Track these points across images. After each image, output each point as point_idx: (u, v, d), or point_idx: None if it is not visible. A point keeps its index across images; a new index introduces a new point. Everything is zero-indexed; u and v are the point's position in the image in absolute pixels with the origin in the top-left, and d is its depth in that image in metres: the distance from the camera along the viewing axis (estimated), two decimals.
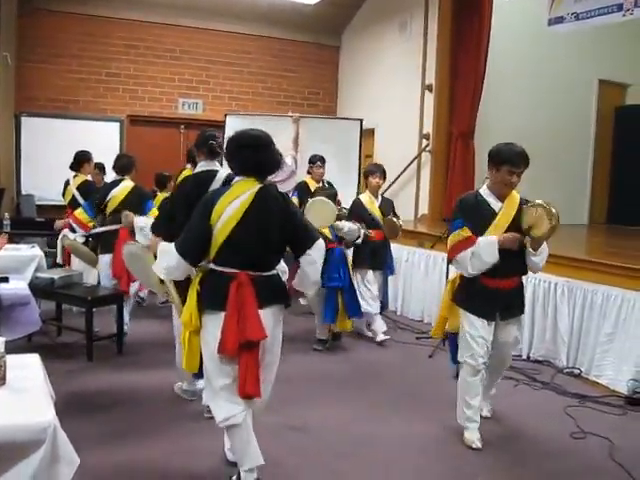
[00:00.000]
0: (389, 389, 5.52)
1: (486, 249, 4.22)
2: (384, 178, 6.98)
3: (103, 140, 9.88)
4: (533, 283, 6.49)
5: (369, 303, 6.77)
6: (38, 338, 5.95)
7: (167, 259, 3.56)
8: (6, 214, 8.86)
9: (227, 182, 4.03)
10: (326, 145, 8.44)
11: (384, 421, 4.80)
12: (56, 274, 6.35)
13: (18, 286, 5.12)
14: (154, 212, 6.18)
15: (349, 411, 4.96)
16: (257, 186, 3.54)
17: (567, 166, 10.61)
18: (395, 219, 6.80)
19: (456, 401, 4.58)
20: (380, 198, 6.93)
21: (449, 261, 4.28)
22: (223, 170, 4.49)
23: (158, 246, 3.77)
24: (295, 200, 7.14)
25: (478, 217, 4.32)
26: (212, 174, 4.43)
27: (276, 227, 3.57)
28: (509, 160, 4.17)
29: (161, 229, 4.36)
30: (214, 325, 3.48)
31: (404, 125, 9.79)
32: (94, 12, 10.23)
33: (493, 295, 4.35)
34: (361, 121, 9.17)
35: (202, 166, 4.58)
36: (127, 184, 6.58)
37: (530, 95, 10.01)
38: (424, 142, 9.45)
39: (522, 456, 4.32)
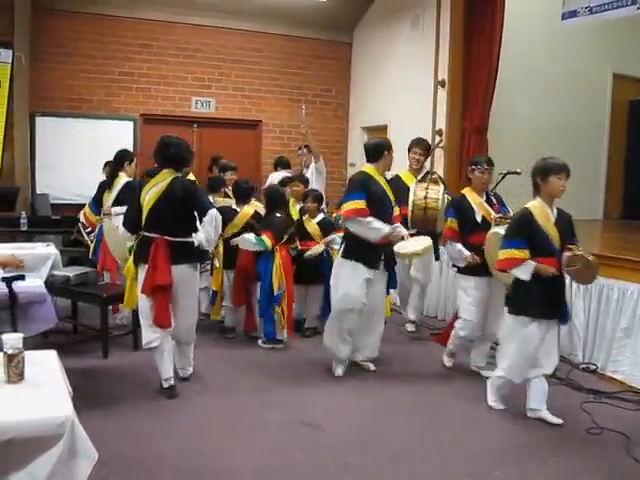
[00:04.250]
0: None
1: None
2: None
3: (117, 139, 9.91)
4: None
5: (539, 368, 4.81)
6: (54, 336, 5.98)
7: (121, 230, 5.26)
8: (23, 213, 8.92)
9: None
10: None
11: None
12: (71, 272, 6.39)
13: (34, 284, 5.16)
14: None
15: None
16: (172, 176, 5.05)
17: (581, 161, 10.50)
18: (581, 253, 4.67)
19: None
20: (556, 212, 4.78)
21: None
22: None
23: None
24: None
25: None
26: None
27: (184, 206, 5.03)
28: None
29: None
30: (142, 274, 5.02)
31: (417, 121, 9.75)
32: (107, 12, 10.24)
33: None
34: None
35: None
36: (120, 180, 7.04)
37: (544, 89, 9.96)
38: (437, 138, 9.41)
39: (538, 452, 4.31)
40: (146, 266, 4.97)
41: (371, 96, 11.32)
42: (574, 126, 10.28)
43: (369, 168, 5.62)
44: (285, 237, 6.46)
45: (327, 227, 6.86)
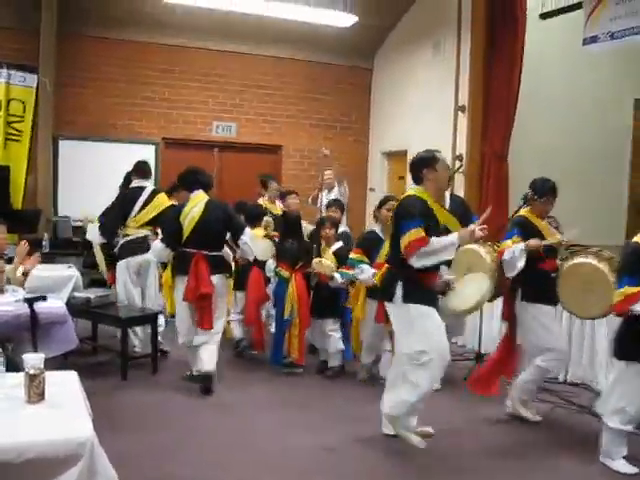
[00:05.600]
0: None
1: None
2: None
3: None
4: None
5: None
6: (74, 357, 6.00)
7: (155, 248, 5.91)
8: (45, 234, 9.01)
9: (153, 194, 6.79)
10: None
11: None
12: (92, 294, 6.42)
13: (55, 305, 5.19)
14: None
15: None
16: (206, 198, 5.79)
17: (603, 187, 10.47)
18: None
19: None
20: None
21: None
22: (150, 187, 6.89)
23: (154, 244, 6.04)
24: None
25: None
26: (142, 188, 6.79)
27: (220, 224, 5.78)
28: None
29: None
30: (182, 283, 5.68)
31: (437, 146, 9.36)
32: (130, 37, 10.39)
33: None
34: None
35: (136, 183, 6.83)
36: None
37: (564, 115, 9.92)
38: (457, 163, 9.41)
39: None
40: (185, 277, 5.64)
41: (391, 121, 11.36)
42: (596, 152, 10.21)
43: (417, 190, 4.59)
44: (300, 263, 6.43)
45: (343, 257, 6.33)
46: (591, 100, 10.13)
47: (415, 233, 4.26)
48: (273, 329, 6.77)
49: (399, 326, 4.56)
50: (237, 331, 7.07)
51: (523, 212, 5.31)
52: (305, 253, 6.49)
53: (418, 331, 4.37)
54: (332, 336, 6.40)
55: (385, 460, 4.51)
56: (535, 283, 5.13)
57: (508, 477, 4.34)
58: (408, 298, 4.40)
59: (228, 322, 6.97)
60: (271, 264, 6.62)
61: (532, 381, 5.27)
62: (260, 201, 8.01)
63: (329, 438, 4.81)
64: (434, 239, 4.27)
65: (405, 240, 4.29)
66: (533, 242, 5.04)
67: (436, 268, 4.54)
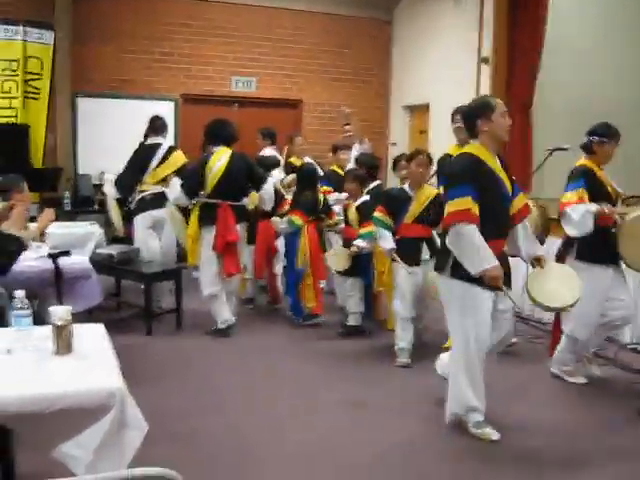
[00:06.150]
0: None
1: None
2: None
3: None
4: None
5: None
6: (98, 313, 6.02)
7: (174, 192, 6.18)
8: (66, 193, 9.02)
9: (169, 150, 6.87)
10: None
11: None
12: (115, 250, 6.43)
13: (79, 260, 5.21)
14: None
15: None
16: (230, 151, 6.07)
17: (631, 140, 10.20)
18: None
19: None
20: None
21: None
22: (166, 143, 6.94)
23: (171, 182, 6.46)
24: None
25: None
26: (158, 145, 6.84)
27: (243, 175, 6.11)
28: None
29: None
30: (209, 234, 5.96)
31: (459, 99, 9.42)
32: None
33: None
34: None
35: (151, 139, 6.88)
36: None
37: (592, 65, 9.64)
38: None
39: (586, 432, 4.24)
40: (212, 228, 5.94)
41: (413, 74, 11.17)
42: (623, 104, 9.91)
43: (471, 147, 4.06)
44: (314, 215, 6.52)
45: (365, 212, 6.07)
46: (621, 49, 9.83)
47: (460, 203, 3.80)
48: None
49: (444, 301, 4.17)
50: (250, 289, 7.39)
51: (584, 162, 4.95)
52: (319, 206, 6.57)
53: (456, 312, 4.01)
54: (351, 295, 6.36)
55: (401, 416, 4.52)
56: (592, 240, 4.75)
57: (527, 427, 4.33)
58: (456, 272, 3.93)
59: (244, 279, 7.06)
60: (283, 222, 6.56)
61: (566, 350, 5.09)
62: (265, 153, 8.11)
63: (349, 394, 4.83)
64: (480, 239, 3.78)
65: (448, 208, 3.87)
66: (609, 209, 4.71)
67: (500, 236, 4.01)
